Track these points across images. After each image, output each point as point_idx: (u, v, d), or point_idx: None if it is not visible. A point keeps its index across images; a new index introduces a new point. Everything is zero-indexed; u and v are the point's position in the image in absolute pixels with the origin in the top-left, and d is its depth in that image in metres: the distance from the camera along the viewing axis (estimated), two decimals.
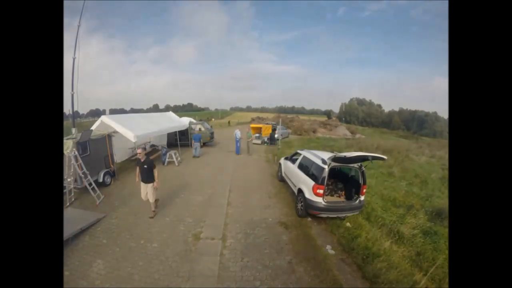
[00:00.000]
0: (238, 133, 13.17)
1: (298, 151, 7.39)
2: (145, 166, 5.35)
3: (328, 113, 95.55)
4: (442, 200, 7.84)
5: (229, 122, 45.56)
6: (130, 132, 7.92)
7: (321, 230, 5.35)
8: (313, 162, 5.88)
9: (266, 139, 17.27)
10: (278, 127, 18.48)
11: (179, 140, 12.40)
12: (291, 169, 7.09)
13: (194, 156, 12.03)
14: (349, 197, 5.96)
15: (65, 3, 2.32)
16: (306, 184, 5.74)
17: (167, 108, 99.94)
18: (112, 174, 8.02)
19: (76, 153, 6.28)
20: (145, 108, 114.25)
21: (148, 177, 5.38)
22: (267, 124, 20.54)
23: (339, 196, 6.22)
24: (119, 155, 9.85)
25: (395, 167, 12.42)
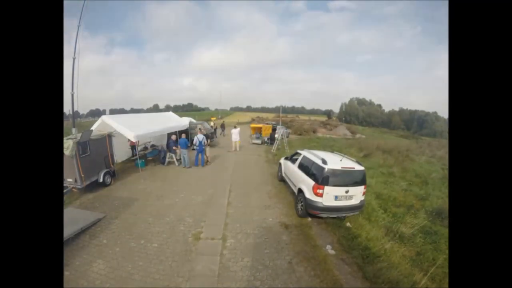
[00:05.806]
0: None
1: (298, 151, 7.38)
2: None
3: (328, 113, 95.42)
4: (442, 200, 7.84)
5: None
6: (130, 132, 7.93)
7: (321, 230, 5.35)
8: (313, 162, 5.87)
9: (266, 139, 17.26)
10: (279, 127, 18.45)
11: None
12: (291, 169, 7.09)
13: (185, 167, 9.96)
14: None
15: (65, 3, 2.32)
16: (306, 184, 5.74)
17: (167, 108, 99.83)
18: (113, 174, 8.01)
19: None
20: (145, 108, 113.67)
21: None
22: (267, 124, 20.51)
23: None
24: (119, 155, 9.85)
25: (396, 167, 12.41)
